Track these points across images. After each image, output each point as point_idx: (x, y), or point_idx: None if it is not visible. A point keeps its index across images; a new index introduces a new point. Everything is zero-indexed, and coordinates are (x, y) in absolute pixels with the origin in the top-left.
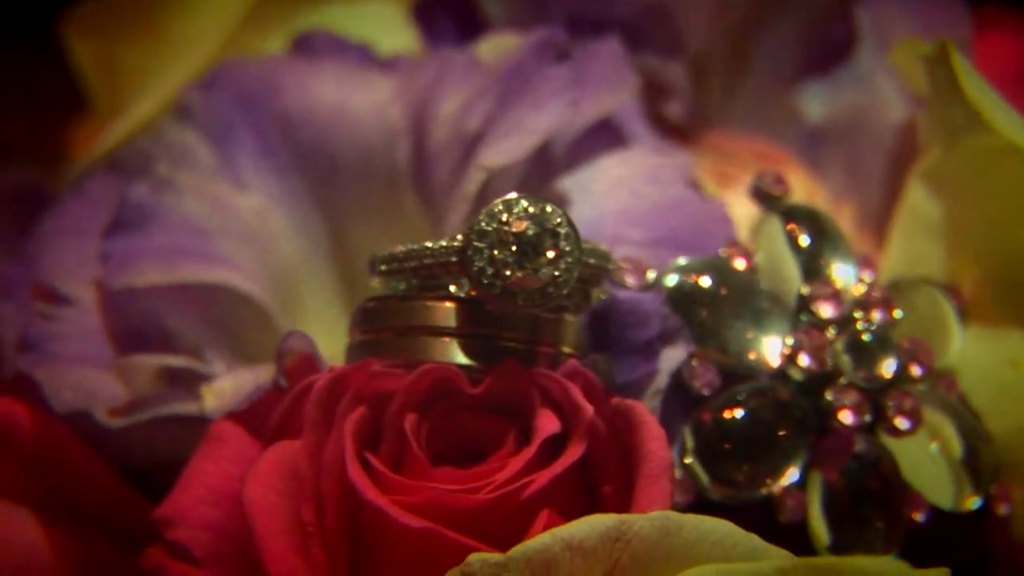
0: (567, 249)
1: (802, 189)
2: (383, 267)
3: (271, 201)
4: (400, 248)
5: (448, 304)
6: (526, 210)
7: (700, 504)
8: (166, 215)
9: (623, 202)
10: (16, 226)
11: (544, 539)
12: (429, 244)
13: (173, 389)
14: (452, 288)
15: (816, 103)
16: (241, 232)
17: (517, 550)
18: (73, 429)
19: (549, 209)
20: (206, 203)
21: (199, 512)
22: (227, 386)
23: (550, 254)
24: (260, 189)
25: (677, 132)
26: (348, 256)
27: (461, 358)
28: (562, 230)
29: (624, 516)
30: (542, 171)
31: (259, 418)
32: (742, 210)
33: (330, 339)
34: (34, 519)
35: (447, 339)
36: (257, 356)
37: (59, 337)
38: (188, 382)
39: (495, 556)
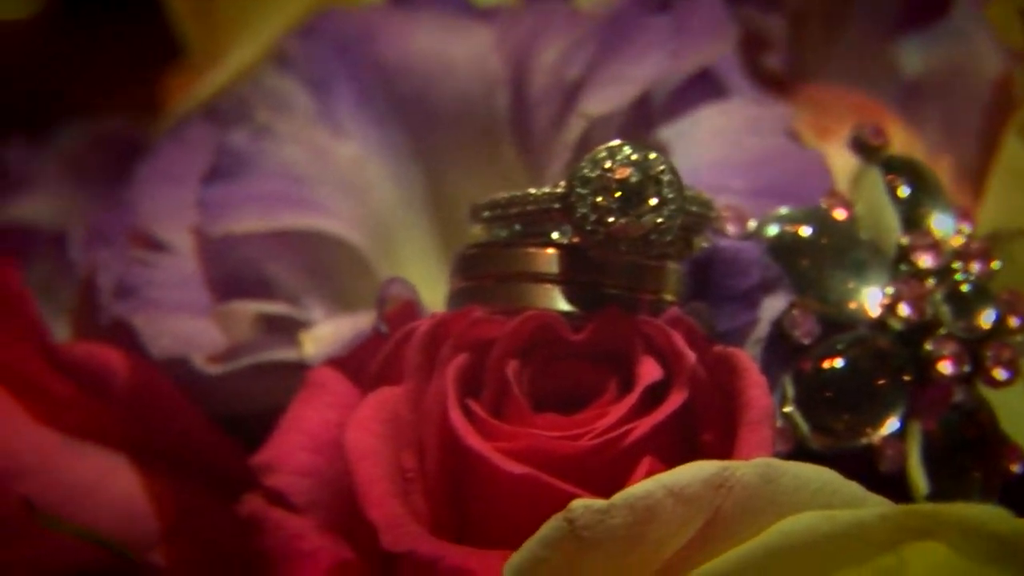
0: (670, 196)
1: (900, 142)
2: (485, 214)
3: (369, 149)
4: (502, 195)
5: (550, 251)
6: (629, 157)
7: (799, 453)
8: (265, 162)
9: (723, 152)
10: (111, 174)
11: (647, 485)
12: (532, 191)
13: (272, 336)
14: (554, 235)
15: (913, 57)
16: (339, 180)
17: (620, 496)
18: (169, 376)
19: (652, 156)
20: (305, 150)
21: (298, 458)
22: (326, 333)
23: (653, 201)
24: (359, 137)
25: (775, 84)
26: (445, 205)
27: (563, 305)
28: (665, 177)
29: (726, 463)
30: (641, 121)
31: (359, 365)
32: (839, 162)
33: (426, 287)
34: (130, 465)
35: (549, 286)
36: (355, 304)
37: (156, 283)
38: (286, 329)
39: (598, 502)
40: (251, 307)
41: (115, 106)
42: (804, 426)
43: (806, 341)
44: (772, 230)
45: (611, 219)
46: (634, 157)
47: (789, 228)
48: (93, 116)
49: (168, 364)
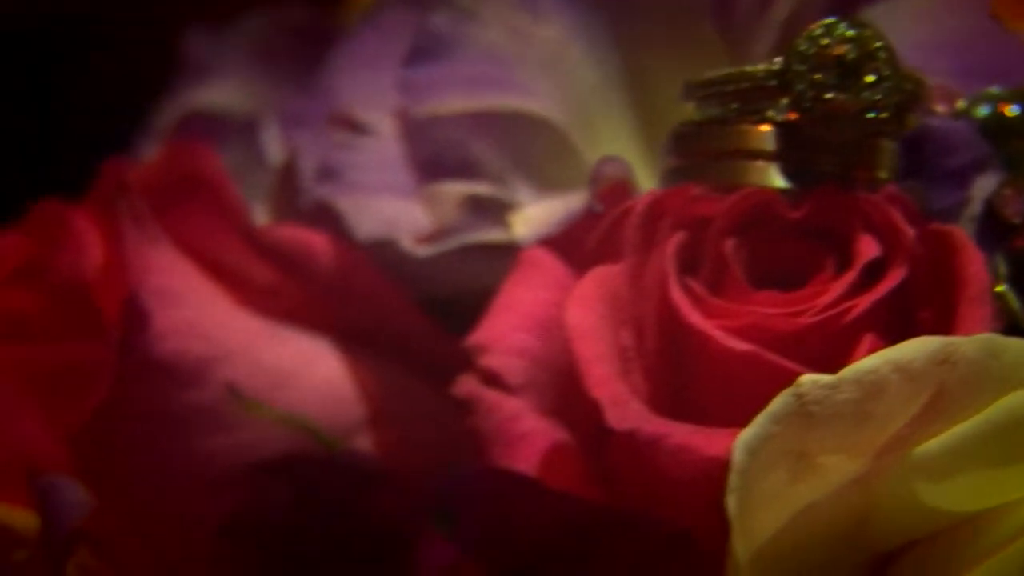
0: (887, 73)
1: None
2: (699, 91)
3: (568, 32)
4: (718, 72)
5: (766, 128)
6: (845, 34)
7: (1011, 332)
8: (466, 43)
9: (928, 32)
10: (297, 62)
11: (872, 361)
12: (748, 67)
13: (478, 217)
14: (769, 112)
15: None
16: (541, 62)
17: (848, 371)
18: (372, 259)
19: (869, 33)
20: (505, 33)
21: (513, 338)
22: (536, 213)
23: (870, 77)
24: (558, 20)
25: None
26: (645, 86)
27: (779, 182)
28: (882, 54)
29: (950, 339)
30: (843, 2)
31: (570, 244)
32: None
33: None
34: (334, 350)
35: (764, 163)
36: (558, 185)
37: (359, 166)
38: (491, 211)
39: (826, 377)
40: (458, 188)
41: None
42: (1016, 304)
43: (1017, 220)
44: (982, 110)
45: (829, 95)
46: (850, 34)
47: (998, 107)
48: (276, 5)
49: (372, 247)
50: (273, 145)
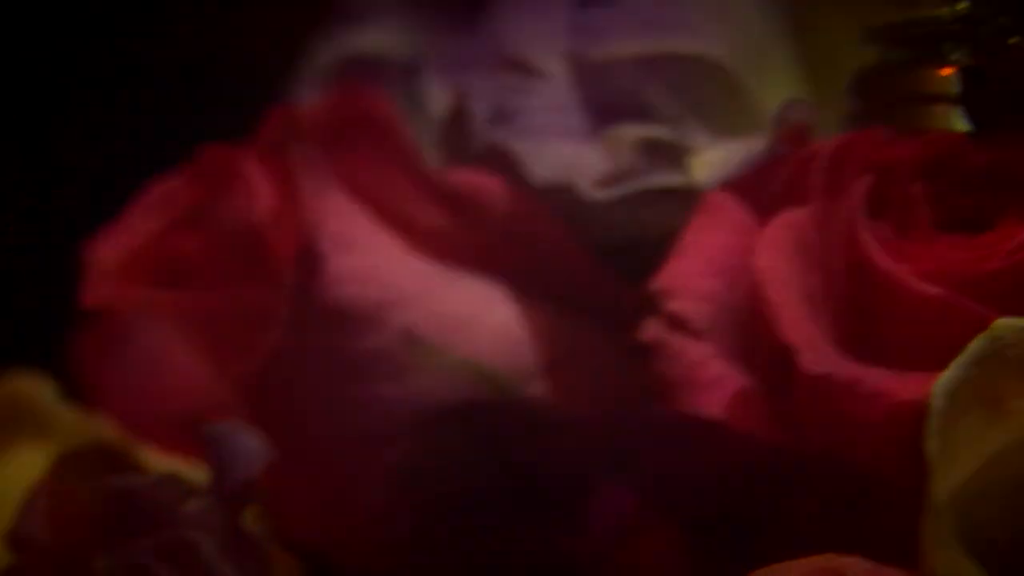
0: None
1: None
2: (883, 35)
3: None
4: (901, 16)
5: (950, 71)
6: None
7: None
8: None
9: None
10: (456, 7)
11: None
12: (932, 11)
13: (657, 161)
14: (952, 56)
15: None
16: (711, 6)
17: None
18: (546, 203)
19: None
20: None
21: (697, 283)
22: (716, 157)
23: None
24: None
25: None
26: (811, 32)
27: (963, 126)
28: None
29: None
30: None
31: (752, 188)
32: None
33: None
34: (510, 294)
35: (948, 107)
36: (730, 129)
37: (534, 110)
38: (669, 154)
39: (1020, 321)
40: (635, 132)
41: None
42: None
43: None
44: None
45: (1013, 39)
46: None
47: None
48: None
49: (547, 191)
50: (433, 90)
